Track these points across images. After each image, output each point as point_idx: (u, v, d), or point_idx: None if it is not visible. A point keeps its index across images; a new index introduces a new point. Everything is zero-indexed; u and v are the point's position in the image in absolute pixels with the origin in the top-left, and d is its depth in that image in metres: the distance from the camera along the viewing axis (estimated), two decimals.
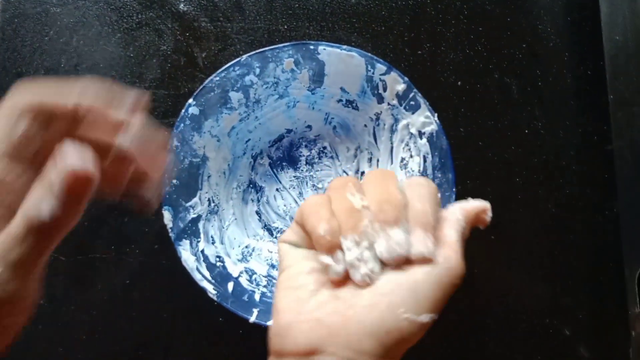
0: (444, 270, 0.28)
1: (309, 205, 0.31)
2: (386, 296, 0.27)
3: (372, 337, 0.26)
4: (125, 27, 0.50)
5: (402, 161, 0.46)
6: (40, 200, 0.23)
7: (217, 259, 0.44)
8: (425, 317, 0.27)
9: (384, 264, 0.29)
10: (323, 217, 0.30)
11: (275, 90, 0.46)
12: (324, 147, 0.49)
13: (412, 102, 0.44)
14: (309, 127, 0.48)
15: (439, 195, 0.32)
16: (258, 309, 0.42)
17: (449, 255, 0.29)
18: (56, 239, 0.24)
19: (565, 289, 0.49)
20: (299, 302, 0.28)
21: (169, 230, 0.42)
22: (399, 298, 0.27)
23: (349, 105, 0.47)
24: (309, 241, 0.31)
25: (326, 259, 0.29)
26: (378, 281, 0.28)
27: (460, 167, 0.47)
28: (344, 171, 0.49)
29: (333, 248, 0.29)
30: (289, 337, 0.27)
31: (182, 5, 0.50)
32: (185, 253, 0.43)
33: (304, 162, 0.49)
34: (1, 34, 0.49)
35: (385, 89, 0.45)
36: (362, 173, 0.49)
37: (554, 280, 0.49)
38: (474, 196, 0.33)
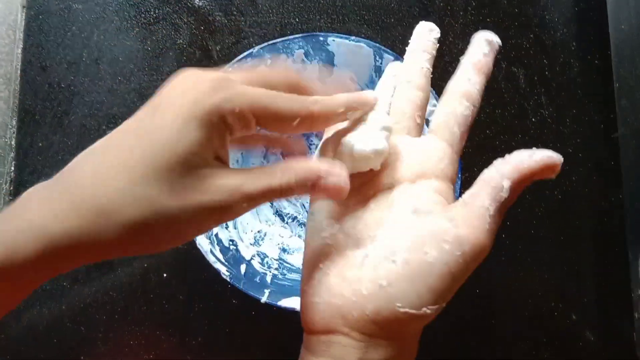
0: (457, 251, 0.24)
1: None
2: (384, 289, 0.25)
3: (374, 324, 0.25)
4: (143, 21, 0.52)
5: None
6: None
7: (231, 243, 0.46)
8: (428, 310, 0.25)
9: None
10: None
11: None
12: None
13: None
14: None
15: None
16: (269, 290, 0.44)
17: (472, 224, 0.25)
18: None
19: (571, 274, 0.50)
20: (313, 282, 0.28)
21: None
22: (398, 291, 0.25)
23: None
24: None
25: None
26: (380, 269, 0.26)
27: (468, 155, 0.49)
28: None
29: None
30: (309, 316, 0.28)
31: (197, 0, 0.52)
32: (200, 237, 0.44)
33: (315, 150, 0.50)
34: (26, 29, 0.51)
35: None
36: None
37: (560, 265, 0.50)
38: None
